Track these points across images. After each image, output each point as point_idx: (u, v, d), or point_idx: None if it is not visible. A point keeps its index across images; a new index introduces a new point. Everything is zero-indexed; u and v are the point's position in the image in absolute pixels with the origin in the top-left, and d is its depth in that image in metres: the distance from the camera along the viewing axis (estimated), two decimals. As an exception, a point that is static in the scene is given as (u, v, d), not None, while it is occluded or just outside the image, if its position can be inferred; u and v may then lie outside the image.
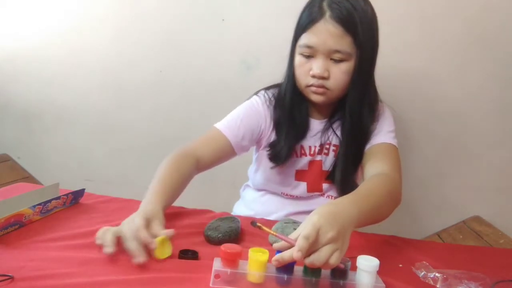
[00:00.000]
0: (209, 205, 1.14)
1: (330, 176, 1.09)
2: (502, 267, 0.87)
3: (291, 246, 0.69)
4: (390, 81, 1.52)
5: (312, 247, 0.67)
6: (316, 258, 0.67)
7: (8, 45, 1.83)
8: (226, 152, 1.08)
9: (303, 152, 1.09)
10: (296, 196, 1.13)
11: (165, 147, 1.75)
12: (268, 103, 1.09)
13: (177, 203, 1.10)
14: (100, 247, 0.75)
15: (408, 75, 1.51)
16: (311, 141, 1.09)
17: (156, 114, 1.74)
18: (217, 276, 0.70)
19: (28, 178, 1.89)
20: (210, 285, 0.69)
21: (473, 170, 1.55)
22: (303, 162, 1.10)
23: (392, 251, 0.91)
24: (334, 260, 0.68)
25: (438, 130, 1.53)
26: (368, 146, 1.05)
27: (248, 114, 1.09)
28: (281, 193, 1.14)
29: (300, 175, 1.11)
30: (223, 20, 1.59)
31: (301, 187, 1.11)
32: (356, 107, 1.02)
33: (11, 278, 0.66)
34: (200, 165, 1.03)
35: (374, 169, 0.99)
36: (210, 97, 1.65)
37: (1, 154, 1.92)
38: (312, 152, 1.09)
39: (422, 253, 0.90)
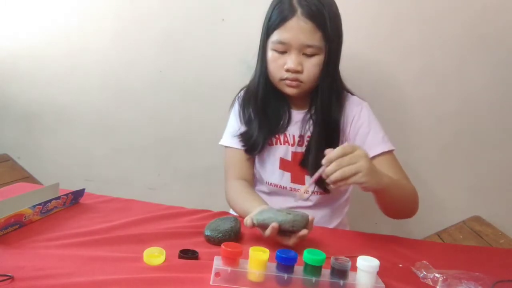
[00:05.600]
0: (209, 205, 1.14)
1: (303, 163, 1.12)
2: (502, 267, 0.87)
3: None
4: (390, 81, 1.53)
5: (341, 160, 0.81)
6: (342, 170, 0.80)
7: (8, 45, 1.83)
8: (251, 160, 1.17)
9: (286, 139, 1.14)
10: (281, 186, 1.15)
11: (165, 147, 1.77)
12: (241, 101, 1.18)
13: (177, 203, 1.11)
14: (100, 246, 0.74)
15: (408, 75, 1.51)
16: (292, 130, 1.14)
17: (156, 114, 1.74)
18: (217, 274, 0.70)
19: (28, 178, 1.89)
20: (210, 283, 0.69)
21: (473, 170, 1.55)
22: (286, 151, 1.14)
23: (392, 251, 0.91)
24: (355, 178, 0.81)
25: (438, 130, 1.53)
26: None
27: (238, 119, 1.18)
28: (266, 182, 1.17)
29: (283, 165, 1.14)
30: (223, 20, 1.59)
31: (286, 177, 1.15)
32: (326, 97, 1.07)
33: (11, 278, 0.66)
34: (250, 183, 1.16)
35: None
36: (210, 97, 1.65)
37: (1, 154, 1.92)
38: (292, 142, 1.13)
39: (422, 253, 0.90)
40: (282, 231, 0.85)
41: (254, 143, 1.13)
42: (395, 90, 1.53)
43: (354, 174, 0.81)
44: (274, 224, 0.82)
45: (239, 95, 1.21)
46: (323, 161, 0.83)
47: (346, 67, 1.50)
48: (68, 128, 1.84)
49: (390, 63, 1.51)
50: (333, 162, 0.81)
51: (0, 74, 1.87)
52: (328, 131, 1.09)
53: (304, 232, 0.83)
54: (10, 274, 0.66)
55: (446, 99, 1.50)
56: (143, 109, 1.74)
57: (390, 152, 1.08)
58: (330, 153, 0.82)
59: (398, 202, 0.99)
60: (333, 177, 0.80)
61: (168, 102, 1.71)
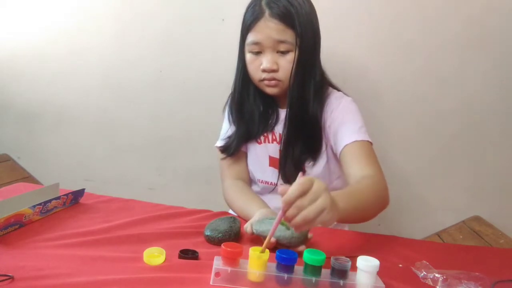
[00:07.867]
0: (209, 205, 1.14)
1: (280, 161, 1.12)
2: (502, 267, 0.87)
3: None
4: (390, 81, 1.53)
5: (301, 201, 0.67)
6: (306, 212, 0.67)
7: (8, 45, 1.83)
8: (244, 159, 1.20)
9: (274, 138, 1.15)
10: (272, 183, 1.16)
11: (165, 147, 1.77)
12: (229, 103, 1.20)
13: (177, 203, 1.11)
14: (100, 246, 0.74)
15: (408, 75, 1.51)
16: (279, 128, 1.14)
17: (156, 114, 1.74)
18: (217, 274, 0.70)
19: (28, 178, 1.89)
20: (210, 283, 0.69)
21: (473, 170, 1.55)
22: (274, 148, 1.15)
23: (392, 251, 0.91)
24: (320, 218, 0.68)
25: (438, 130, 1.53)
26: (341, 145, 1.04)
27: (227, 121, 1.20)
28: (258, 180, 1.18)
29: (272, 162, 1.15)
30: (223, 20, 1.59)
31: (276, 175, 1.15)
32: (297, 94, 1.06)
33: (11, 278, 0.66)
34: (247, 182, 1.19)
35: (357, 171, 0.98)
36: (210, 97, 1.65)
37: (1, 154, 1.92)
38: (279, 140, 1.14)
39: (422, 253, 0.90)
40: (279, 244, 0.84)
41: (230, 145, 1.15)
42: (395, 90, 1.53)
43: (320, 214, 0.68)
44: (272, 240, 0.81)
45: (230, 96, 1.22)
46: (281, 204, 0.69)
47: (346, 68, 1.51)
48: (68, 128, 1.84)
49: (389, 63, 1.51)
50: (292, 204, 0.68)
51: (0, 74, 1.87)
52: (304, 128, 1.08)
53: (301, 248, 0.82)
54: (10, 274, 0.67)
55: (446, 99, 1.50)
56: (143, 109, 1.74)
57: (364, 142, 1.03)
58: (286, 193, 0.68)
59: (360, 213, 0.91)
60: (295, 222, 0.68)
61: (168, 102, 1.71)
